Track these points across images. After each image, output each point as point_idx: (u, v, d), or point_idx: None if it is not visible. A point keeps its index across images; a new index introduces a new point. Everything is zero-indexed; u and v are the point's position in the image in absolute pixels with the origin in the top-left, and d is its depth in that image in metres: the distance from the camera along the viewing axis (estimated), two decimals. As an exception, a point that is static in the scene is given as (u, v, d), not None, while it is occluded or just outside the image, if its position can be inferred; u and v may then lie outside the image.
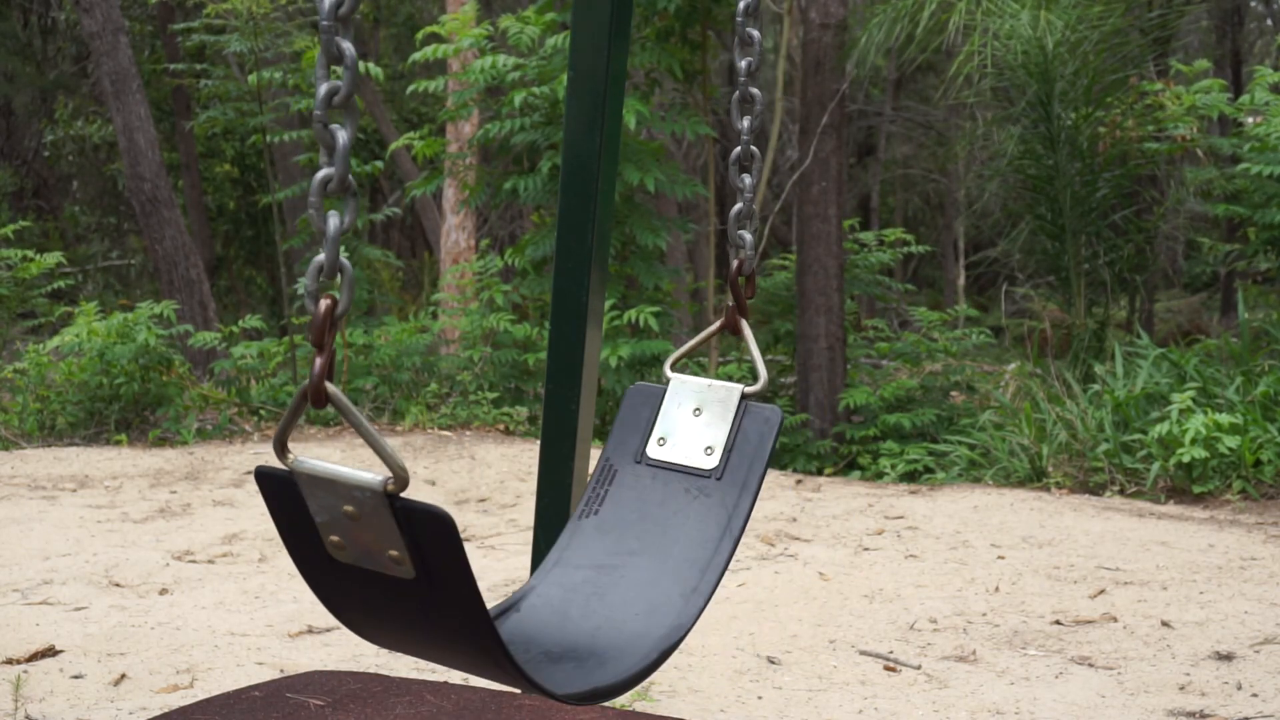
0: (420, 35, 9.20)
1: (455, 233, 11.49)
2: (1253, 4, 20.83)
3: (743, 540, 4.53)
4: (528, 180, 8.26)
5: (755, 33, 1.85)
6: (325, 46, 1.16)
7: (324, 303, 1.15)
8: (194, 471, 6.42)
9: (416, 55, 8.55)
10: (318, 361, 1.15)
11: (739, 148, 1.87)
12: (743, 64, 1.86)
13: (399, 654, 3.27)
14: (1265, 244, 8.11)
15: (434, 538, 1.18)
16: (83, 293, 15.43)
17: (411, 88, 9.10)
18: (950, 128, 15.92)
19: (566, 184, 2.30)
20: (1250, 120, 8.15)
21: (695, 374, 9.21)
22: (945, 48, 8.54)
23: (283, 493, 1.23)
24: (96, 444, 7.27)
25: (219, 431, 7.62)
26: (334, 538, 1.23)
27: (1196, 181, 8.85)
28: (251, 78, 8.65)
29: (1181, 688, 2.98)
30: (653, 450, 1.81)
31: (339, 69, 1.17)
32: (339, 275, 1.18)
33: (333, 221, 1.17)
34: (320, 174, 1.18)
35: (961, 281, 18.51)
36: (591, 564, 1.74)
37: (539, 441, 2.17)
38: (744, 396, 1.81)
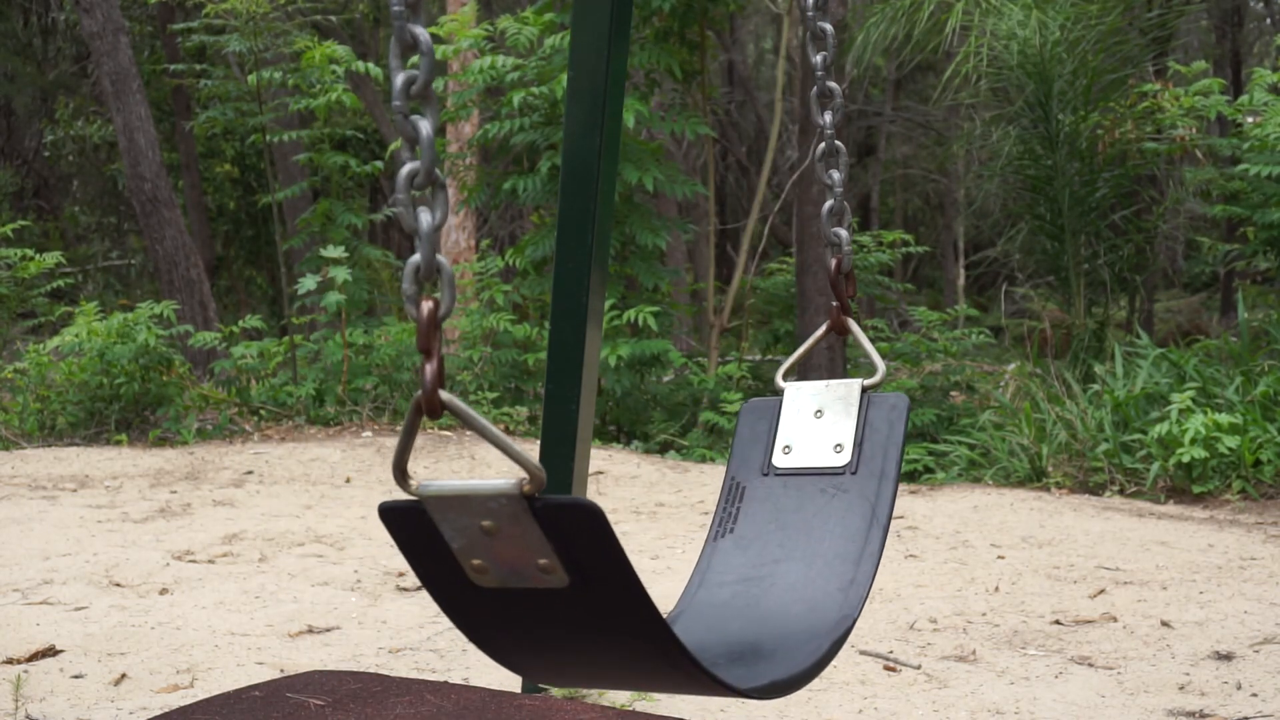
0: (420, 35, 9.19)
1: (455, 233, 11.50)
2: (1253, 4, 20.83)
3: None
4: (527, 180, 8.26)
5: (828, 26, 1.81)
6: (398, 34, 1.10)
7: (426, 305, 1.07)
8: (194, 471, 6.42)
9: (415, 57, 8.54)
10: (428, 369, 1.06)
11: (823, 144, 1.82)
12: (818, 59, 1.81)
13: (403, 655, 3.27)
14: (1264, 244, 8.10)
15: (583, 533, 1.09)
16: (83, 293, 15.44)
17: (411, 88, 9.09)
18: (950, 128, 15.93)
19: (566, 184, 2.31)
20: (1249, 120, 8.15)
21: (696, 374, 9.19)
22: (944, 48, 8.54)
23: (412, 524, 1.12)
24: (96, 444, 7.27)
25: (219, 431, 7.62)
26: (475, 562, 1.13)
27: (1195, 181, 8.85)
28: (251, 78, 8.65)
29: (1181, 687, 2.99)
30: (779, 460, 1.78)
31: (414, 57, 1.11)
32: (438, 275, 1.09)
33: (424, 218, 1.09)
34: (406, 169, 1.09)
35: (961, 281, 18.52)
36: (738, 579, 1.70)
37: (539, 441, 2.17)
38: (864, 389, 1.78)
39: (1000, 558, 4.43)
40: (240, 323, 8.63)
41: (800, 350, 1.87)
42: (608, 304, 8.06)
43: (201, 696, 2.67)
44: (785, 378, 1.85)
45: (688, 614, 1.67)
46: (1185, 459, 5.64)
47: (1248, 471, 5.69)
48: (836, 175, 1.83)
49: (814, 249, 8.83)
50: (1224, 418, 5.77)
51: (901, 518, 5.21)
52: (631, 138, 8.32)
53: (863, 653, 3.31)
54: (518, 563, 1.11)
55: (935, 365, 9.09)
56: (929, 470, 7.42)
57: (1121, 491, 5.91)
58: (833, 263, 1.82)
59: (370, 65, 8.91)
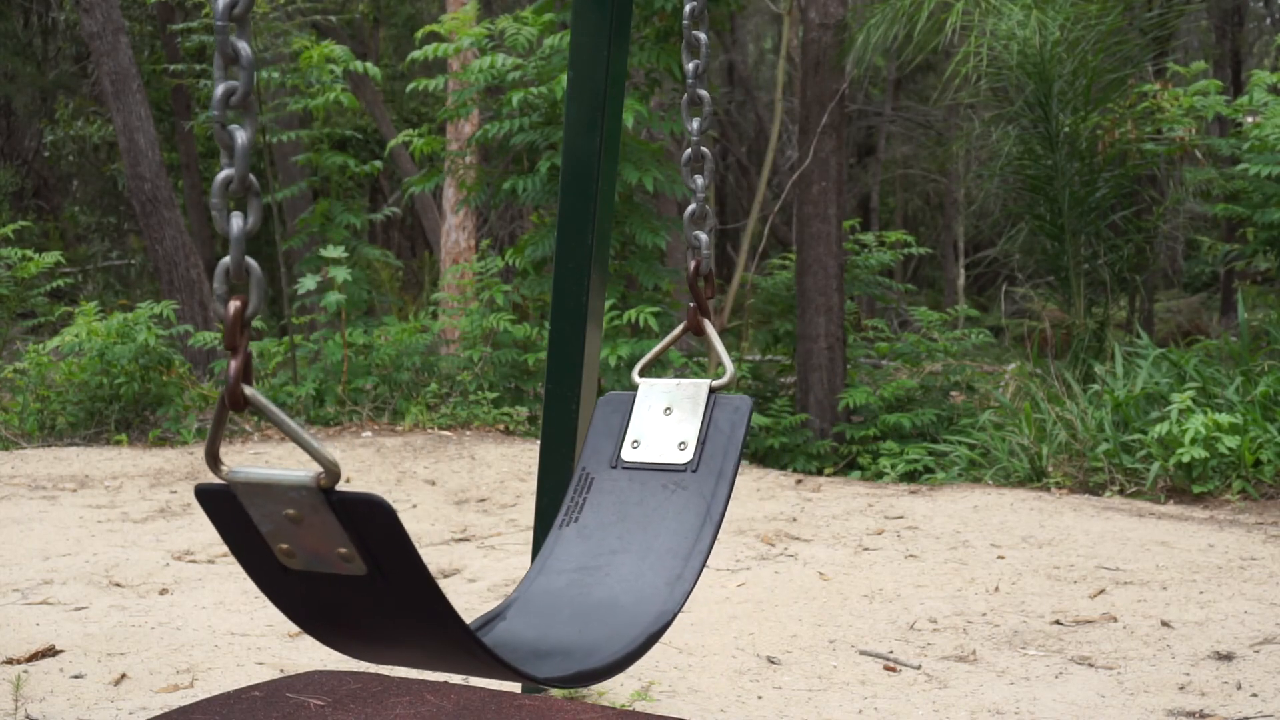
0: (420, 34, 9.21)
1: (455, 233, 11.50)
2: (1253, 4, 20.83)
3: (743, 540, 4.53)
4: (527, 180, 8.26)
5: (702, 36, 1.89)
6: (220, 47, 1.14)
7: (233, 304, 1.14)
8: (194, 471, 6.42)
9: (416, 54, 8.55)
10: (232, 365, 1.13)
11: (689, 149, 1.90)
12: (690, 66, 1.89)
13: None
14: (1264, 244, 8.11)
15: (376, 527, 1.17)
16: (83, 293, 15.43)
17: (411, 86, 9.10)
18: (950, 128, 15.93)
19: (566, 184, 2.31)
20: (1249, 120, 8.15)
21: (696, 373, 9.20)
22: (944, 48, 8.54)
23: (225, 507, 1.20)
24: (96, 444, 7.27)
25: (219, 431, 7.62)
26: (282, 545, 1.20)
27: (1195, 181, 8.85)
28: (251, 78, 8.63)
29: (1181, 688, 2.98)
30: (627, 453, 1.86)
31: (236, 69, 1.16)
32: (247, 276, 1.16)
33: (236, 223, 1.15)
34: (221, 175, 1.16)
35: (961, 281, 18.50)
36: (575, 567, 1.77)
37: (539, 441, 2.18)
38: (712, 390, 1.86)
39: (1000, 558, 4.43)
40: (240, 323, 8.62)
41: (658, 348, 1.94)
42: (608, 304, 8.06)
43: (201, 696, 2.67)
44: (641, 374, 1.92)
45: (522, 600, 1.74)
46: (1185, 459, 5.64)
47: (1248, 471, 5.69)
48: (700, 180, 1.90)
49: (814, 249, 8.83)
50: (1224, 418, 5.77)
51: (901, 518, 5.21)
52: (631, 138, 8.32)
53: (863, 653, 3.31)
54: (320, 550, 1.19)
55: (935, 365, 9.09)
56: (929, 470, 7.42)
57: (1121, 491, 5.91)
58: (691, 265, 1.89)
59: (369, 65, 8.90)
